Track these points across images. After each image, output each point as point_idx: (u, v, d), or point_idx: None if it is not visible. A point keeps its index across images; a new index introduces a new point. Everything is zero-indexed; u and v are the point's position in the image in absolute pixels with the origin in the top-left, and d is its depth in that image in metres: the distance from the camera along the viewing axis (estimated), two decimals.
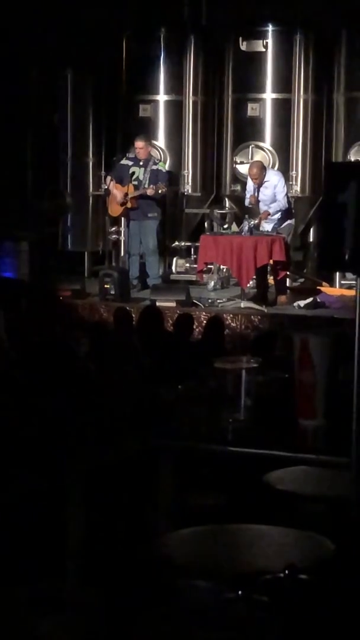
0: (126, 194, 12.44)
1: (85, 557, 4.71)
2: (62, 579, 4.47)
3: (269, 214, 11.98)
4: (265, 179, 12.06)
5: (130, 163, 12.63)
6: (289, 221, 12.28)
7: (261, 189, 12.05)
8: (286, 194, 12.19)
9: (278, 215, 12.10)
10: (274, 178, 12.14)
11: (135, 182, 12.47)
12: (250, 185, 12.22)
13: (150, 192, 12.30)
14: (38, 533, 4.70)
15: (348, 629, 3.54)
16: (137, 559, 4.22)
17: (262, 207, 12.07)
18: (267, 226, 12.01)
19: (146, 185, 12.39)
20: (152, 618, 3.14)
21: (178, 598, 3.34)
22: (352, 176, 3.76)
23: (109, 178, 12.82)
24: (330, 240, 3.85)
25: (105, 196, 13.14)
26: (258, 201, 12.03)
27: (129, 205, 12.46)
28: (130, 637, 3.06)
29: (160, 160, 12.84)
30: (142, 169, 12.51)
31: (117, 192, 12.55)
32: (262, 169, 12.13)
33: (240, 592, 3.11)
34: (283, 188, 12.13)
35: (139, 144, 12.58)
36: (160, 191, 12.32)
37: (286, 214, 12.23)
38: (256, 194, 12.03)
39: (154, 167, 12.53)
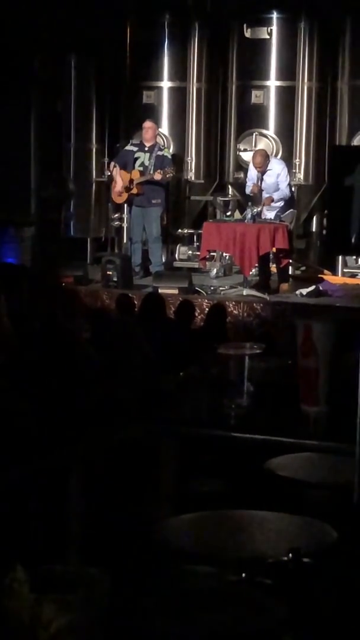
0: (131, 180, 12.41)
1: (87, 542, 4.72)
2: (64, 563, 4.47)
3: (273, 200, 11.96)
4: (268, 168, 12.04)
5: (135, 149, 12.59)
6: (291, 210, 12.27)
7: (264, 177, 12.03)
8: (289, 183, 12.18)
9: (280, 204, 12.08)
10: (277, 167, 12.11)
11: (141, 168, 12.44)
12: (252, 173, 12.19)
13: (157, 176, 12.24)
14: (41, 517, 4.70)
15: (350, 613, 3.54)
16: (140, 544, 4.22)
17: (265, 196, 12.05)
18: (269, 214, 11.99)
19: (152, 172, 12.35)
20: (155, 603, 3.15)
21: (181, 583, 3.34)
22: (358, 160, 3.75)
23: (112, 164, 12.78)
24: (336, 224, 3.84)
25: (108, 183, 13.11)
26: (261, 190, 12.01)
27: (134, 191, 12.42)
28: (133, 622, 3.07)
29: (165, 147, 12.81)
30: (148, 155, 12.47)
31: (121, 178, 12.51)
32: (266, 157, 12.11)
33: (244, 576, 3.11)
34: (286, 177, 12.11)
35: (147, 123, 12.53)
36: (167, 175, 12.28)
37: (289, 202, 12.21)
38: (259, 182, 12.00)
39: (159, 153, 12.49)
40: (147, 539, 3.86)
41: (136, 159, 12.46)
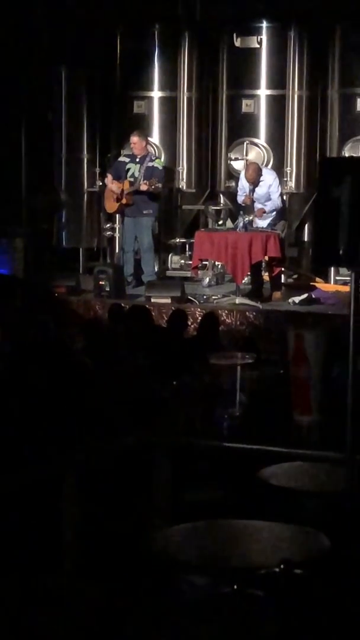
0: (122, 190, 12.44)
1: (82, 552, 4.72)
2: (59, 574, 4.48)
3: (264, 212, 11.99)
4: (259, 179, 12.07)
5: (127, 160, 12.63)
6: (282, 221, 12.30)
7: (255, 188, 12.06)
8: (280, 194, 12.21)
9: (273, 214, 12.10)
10: (268, 177, 12.14)
11: (132, 179, 12.47)
12: (243, 183, 12.21)
13: (143, 187, 12.27)
14: (35, 527, 4.70)
15: (343, 623, 3.55)
16: (134, 554, 4.23)
17: (257, 206, 12.08)
18: (261, 223, 12.02)
19: (140, 182, 12.36)
20: (149, 612, 3.15)
21: (174, 593, 3.34)
22: (347, 171, 3.76)
23: (107, 175, 12.81)
24: (324, 235, 3.85)
25: (100, 193, 13.14)
26: (253, 201, 12.04)
27: (124, 201, 12.45)
28: (127, 631, 3.07)
29: (157, 157, 12.83)
30: (138, 166, 12.50)
31: (113, 188, 12.54)
32: (258, 171, 12.14)
33: (235, 587, 3.12)
34: (277, 187, 12.14)
35: (134, 138, 12.58)
36: (153, 187, 12.29)
37: (280, 212, 12.24)
38: (251, 194, 12.03)
39: (150, 164, 12.51)
40: (140, 549, 3.86)
41: (128, 169, 12.49)
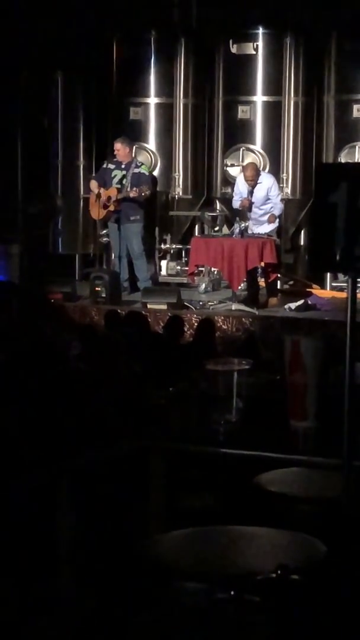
0: (109, 197, 12.44)
1: (77, 558, 4.71)
2: (54, 581, 4.47)
3: (276, 217, 12.01)
4: (257, 181, 12.08)
5: (113, 166, 12.62)
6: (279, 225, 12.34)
7: (254, 190, 12.06)
8: (281, 198, 12.24)
9: (277, 221, 12.11)
10: (266, 180, 12.16)
11: (118, 185, 12.46)
12: (239, 187, 12.21)
13: (133, 194, 12.27)
14: (30, 534, 4.69)
15: (339, 628, 3.54)
16: (129, 560, 4.22)
17: (254, 209, 12.09)
18: (269, 229, 11.99)
19: (128, 189, 12.35)
20: (144, 620, 3.14)
21: (170, 600, 3.33)
22: (343, 177, 3.77)
23: (93, 181, 12.80)
24: (320, 240, 3.85)
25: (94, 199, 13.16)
26: (251, 204, 12.03)
27: (111, 208, 12.44)
28: (123, 638, 3.06)
29: (142, 164, 12.80)
30: (124, 172, 12.49)
31: (102, 195, 12.53)
32: (257, 170, 12.16)
33: (232, 593, 3.11)
34: (277, 190, 12.15)
35: (117, 145, 12.58)
36: (143, 194, 12.27)
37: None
38: (249, 196, 12.03)
39: (136, 170, 12.50)
40: (135, 556, 3.85)
41: (114, 176, 12.48)
